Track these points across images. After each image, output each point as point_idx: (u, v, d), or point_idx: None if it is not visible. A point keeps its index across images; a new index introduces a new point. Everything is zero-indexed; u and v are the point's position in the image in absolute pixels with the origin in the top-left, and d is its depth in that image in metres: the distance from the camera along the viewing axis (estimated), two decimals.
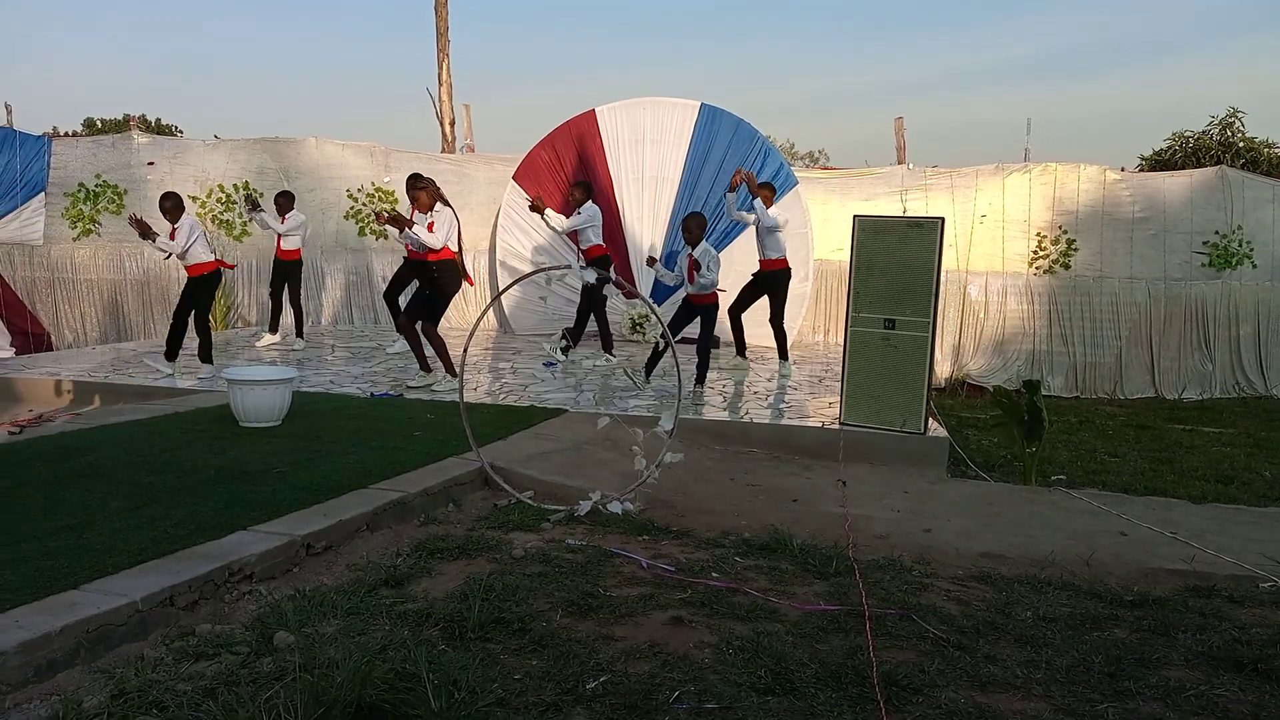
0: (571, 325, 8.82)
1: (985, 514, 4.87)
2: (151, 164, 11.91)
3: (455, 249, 7.24)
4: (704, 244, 7.06)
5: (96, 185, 11.85)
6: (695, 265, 7.01)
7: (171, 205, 7.44)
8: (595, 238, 8.61)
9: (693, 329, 7.37)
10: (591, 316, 8.74)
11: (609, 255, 8.79)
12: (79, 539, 3.52)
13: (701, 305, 7.12)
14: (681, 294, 7.55)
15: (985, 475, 6.24)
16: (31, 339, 11.92)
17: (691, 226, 7.05)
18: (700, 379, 7.19)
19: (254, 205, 9.38)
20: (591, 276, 5.34)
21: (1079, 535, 4.52)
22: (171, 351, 7.70)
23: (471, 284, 9.48)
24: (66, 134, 18.89)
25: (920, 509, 4.92)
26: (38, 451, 5.03)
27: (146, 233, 7.29)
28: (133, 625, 2.93)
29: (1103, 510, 5.04)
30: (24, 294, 12.03)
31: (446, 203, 7.28)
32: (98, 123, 27.67)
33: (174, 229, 7.43)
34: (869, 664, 2.87)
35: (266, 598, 3.32)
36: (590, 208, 8.62)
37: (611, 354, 8.80)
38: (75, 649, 2.76)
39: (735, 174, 7.84)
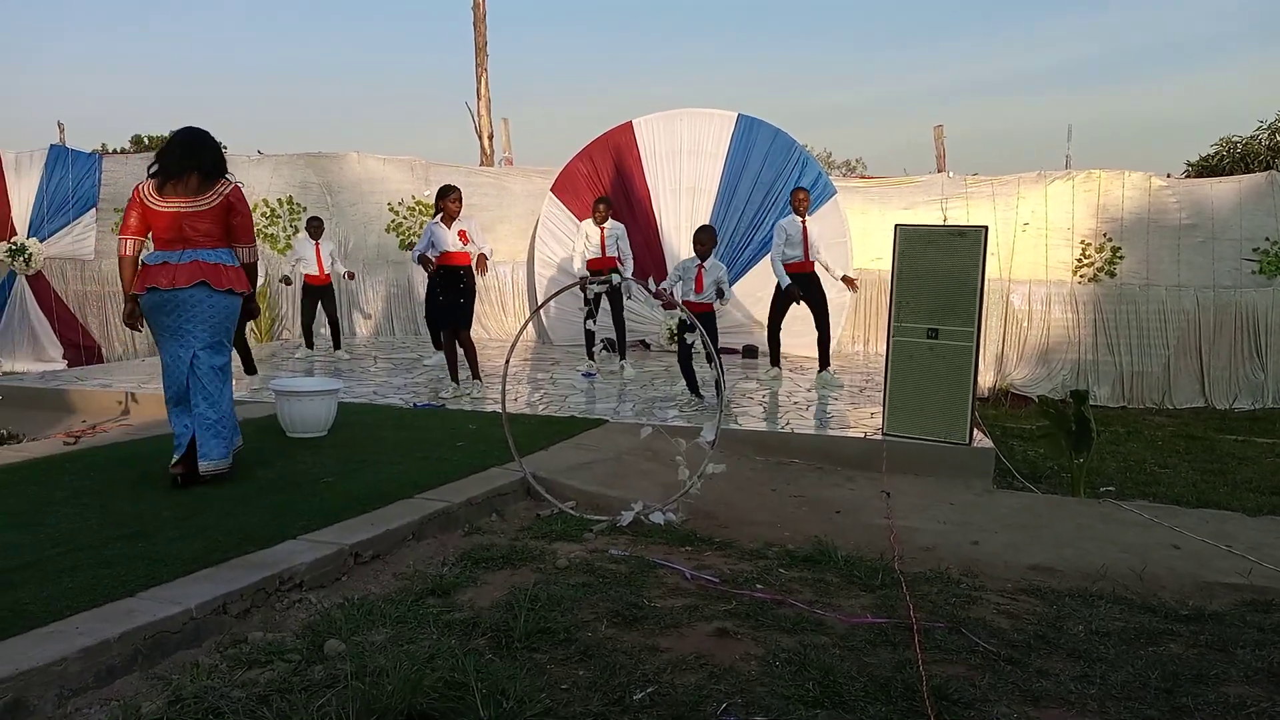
0: (614, 337, 8.87)
1: (1033, 526, 4.79)
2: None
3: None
4: (714, 258, 7.06)
5: None
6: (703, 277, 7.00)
7: None
8: (612, 250, 8.75)
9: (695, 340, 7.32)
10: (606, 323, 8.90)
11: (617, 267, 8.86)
12: (134, 547, 3.59)
13: (701, 314, 7.08)
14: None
15: (1032, 487, 6.14)
16: (83, 351, 12.21)
17: (703, 239, 7.06)
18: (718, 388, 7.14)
19: (287, 281, 10.08)
20: (634, 288, 5.36)
21: (1130, 548, 4.43)
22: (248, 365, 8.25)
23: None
24: (115, 151, 19.36)
25: (967, 521, 4.86)
26: (92, 461, 5.15)
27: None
28: (188, 632, 2.99)
29: (1154, 523, 4.94)
30: (75, 307, 12.32)
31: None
32: (145, 139, 28.34)
33: None
34: (918, 678, 2.83)
35: (316, 606, 3.36)
36: (618, 224, 8.83)
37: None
38: (133, 655, 2.81)
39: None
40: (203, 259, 4.51)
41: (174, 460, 4.60)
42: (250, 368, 8.32)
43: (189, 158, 4.51)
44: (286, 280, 10.04)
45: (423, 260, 7.69)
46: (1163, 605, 3.68)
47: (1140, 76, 62.35)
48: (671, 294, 6.57)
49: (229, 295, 4.60)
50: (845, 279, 8.29)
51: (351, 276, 10.10)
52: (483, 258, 7.44)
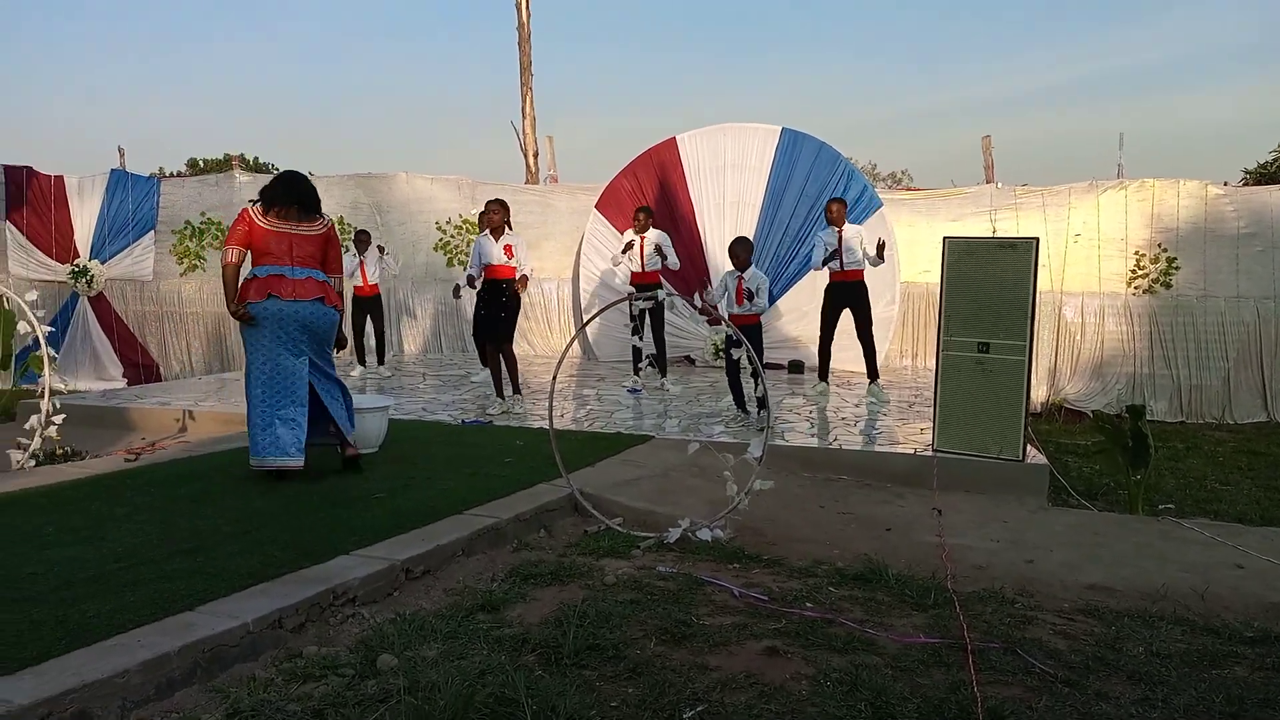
0: (655, 353, 8.88)
1: (1090, 544, 4.69)
2: (254, 201, 12.42)
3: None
4: (752, 268, 7.06)
5: (201, 222, 12.43)
6: (745, 290, 6.99)
7: None
8: (655, 258, 8.77)
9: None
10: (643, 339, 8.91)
11: (661, 281, 8.86)
12: (193, 562, 3.67)
13: (746, 327, 7.06)
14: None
15: (1088, 504, 6.01)
16: (142, 370, 12.53)
17: (739, 251, 7.06)
18: (762, 402, 7.11)
19: (456, 292, 9.54)
20: (679, 303, 5.37)
21: (1192, 567, 4.32)
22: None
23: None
24: (172, 174, 19.92)
25: (1021, 539, 4.77)
26: (151, 478, 5.27)
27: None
28: (244, 646, 3.04)
29: (1216, 541, 4.80)
30: (135, 327, 12.66)
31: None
32: (200, 162, 29.11)
33: None
34: (973, 699, 2.79)
35: (369, 621, 3.41)
36: (660, 232, 8.86)
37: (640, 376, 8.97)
38: (192, 668, 2.87)
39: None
40: (316, 277, 5.17)
41: (275, 461, 5.03)
42: None
43: (290, 192, 5.21)
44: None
45: (469, 280, 7.76)
46: (1226, 627, 3.57)
47: (1194, 84, 61.10)
48: (716, 308, 6.57)
49: (336, 311, 5.28)
50: (879, 244, 8.09)
51: (382, 250, 9.87)
52: (524, 278, 7.50)
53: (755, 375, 5.49)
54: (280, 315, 5.05)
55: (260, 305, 5.04)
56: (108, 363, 12.64)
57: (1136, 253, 10.79)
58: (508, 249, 7.39)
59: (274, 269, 5.09)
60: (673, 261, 8.70)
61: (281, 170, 5.56)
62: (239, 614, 3.13)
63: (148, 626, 3.01)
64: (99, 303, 12.62)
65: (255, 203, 5.21)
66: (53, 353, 6.58)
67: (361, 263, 9.60)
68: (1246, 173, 14.95)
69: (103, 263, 12.55)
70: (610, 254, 10.95)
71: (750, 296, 6.95)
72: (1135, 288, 10.80)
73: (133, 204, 12.55)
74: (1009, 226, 10.78)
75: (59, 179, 12.57)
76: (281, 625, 3.21)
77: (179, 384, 9.99)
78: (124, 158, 13.49)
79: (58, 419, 6.34)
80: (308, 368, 5.18)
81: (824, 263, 8.11)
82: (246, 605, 3.22)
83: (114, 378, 12.41)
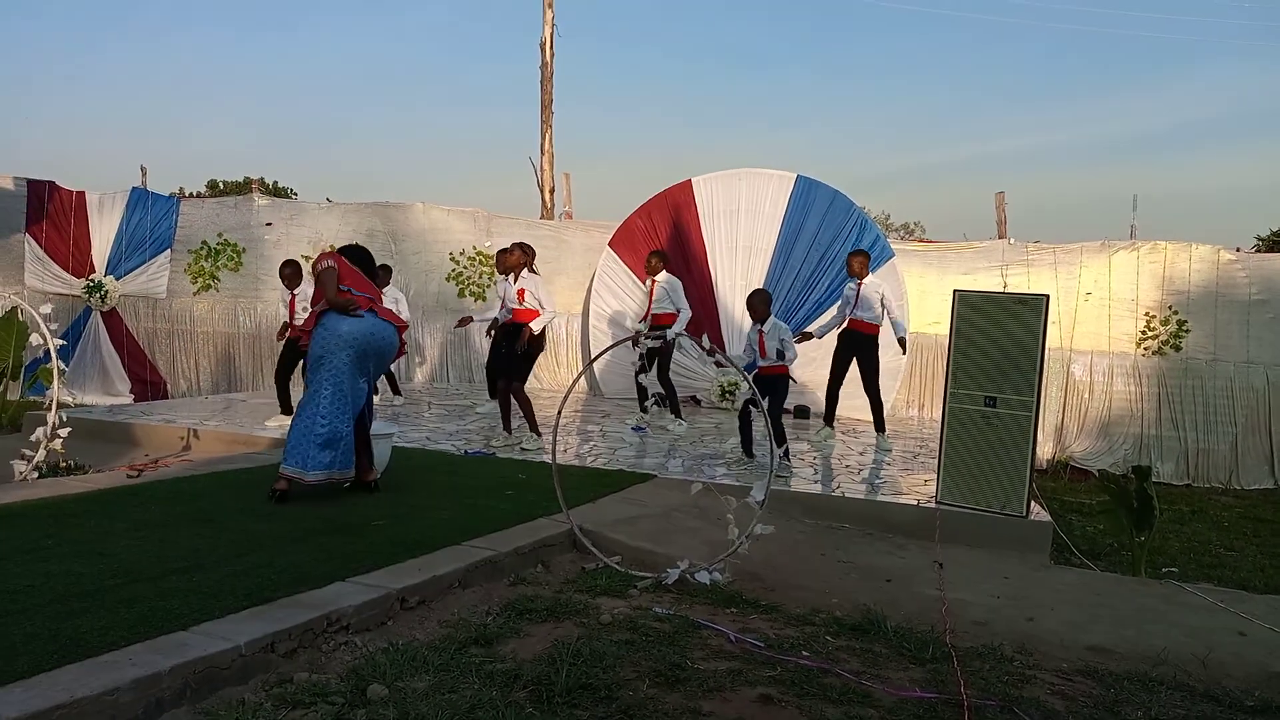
0: (663, 393, 8.89)
1: (1092, 605, 4.64)
2: (269, 225, 12.56)
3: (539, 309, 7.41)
4: (772, 319, 7.05)
5: (218, 243, 12.55)
6: (764, 341, 7.00)
7: (291, 272, 8.03)
8: (664, 301, 8.83)
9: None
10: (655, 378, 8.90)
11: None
12: (189, 581, 3.67)
13: (774, 376, 7.06)
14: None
15: (1091, 564, 5.96)
16: (149, 387, 12.58)
17: (757, 304, 7.05)
18: (785, 453, 7.09)
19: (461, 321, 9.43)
20: (686, 343, 5.40)
21: (1194, 632, 4.27)
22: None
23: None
24: (192, 194, 20.14)
25: (1022, 596, 4.72)
26: (153, 494, 5.28)
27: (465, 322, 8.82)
28: (236, 669, 3.02)
29: (1219, 607, 4.75)
30: (145, 344, 12.73)
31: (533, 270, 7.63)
32: (220, 184, 29.44)
33: (293, 295, 7.96)
34: None
35: (362, 649, 3.39)
36: (672, 278, 8.88)
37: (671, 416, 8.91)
38: (182, 689, 2.85)
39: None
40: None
41: (308, 477, 5.20)
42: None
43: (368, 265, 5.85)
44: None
45: (494, 321, 7.78)
46: (1227, 694, 3.52)
47: (1208, 148, 61.51)
48: (727, 358, 6.56)
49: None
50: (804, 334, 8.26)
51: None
52: (527, 328, 7.24)
53: (776, 436, 5.46)
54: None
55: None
56: (116, 378, 12.69)
57: (1147, 314, 10.80)
58: (520, 293, 7.42)
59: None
60: (684, 315, 8.70)
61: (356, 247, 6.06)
62: (232, 636, 3.12)
63: (140, 644, 3.00)
64: (111, 318, 12.70)
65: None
66: (63, 366, 6.62)
67: (380, 294, 9.64)
68: (1259, 239, 14.98)
69: (118, 279, 12.65)
70: (622, 292, 11.03)
71: (779, 354, 6.94)
72: (1145, 349, 10.80)
73: (151, 222, 12.68)
74: (1020, 282, 10.80)
75: (80, 194, 12.73)
76: (274, 649, 3.19)
77: (185, 402, 10.02)
78: (146, 176, 13.67)
79: (63, 432, 6.35)
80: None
81: (822, 333, 8.33)
82: (240, 627, 3.21)
83: (121, 393, 12.45)
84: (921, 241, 12.83)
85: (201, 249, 12.60)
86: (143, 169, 13.72)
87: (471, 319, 9.00)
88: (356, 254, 5.78)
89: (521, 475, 6.27)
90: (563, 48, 25.14)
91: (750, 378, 5.95)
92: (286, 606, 3.46)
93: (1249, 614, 4.60)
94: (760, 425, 5.17)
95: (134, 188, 12.90)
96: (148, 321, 12.74)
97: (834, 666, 3.47)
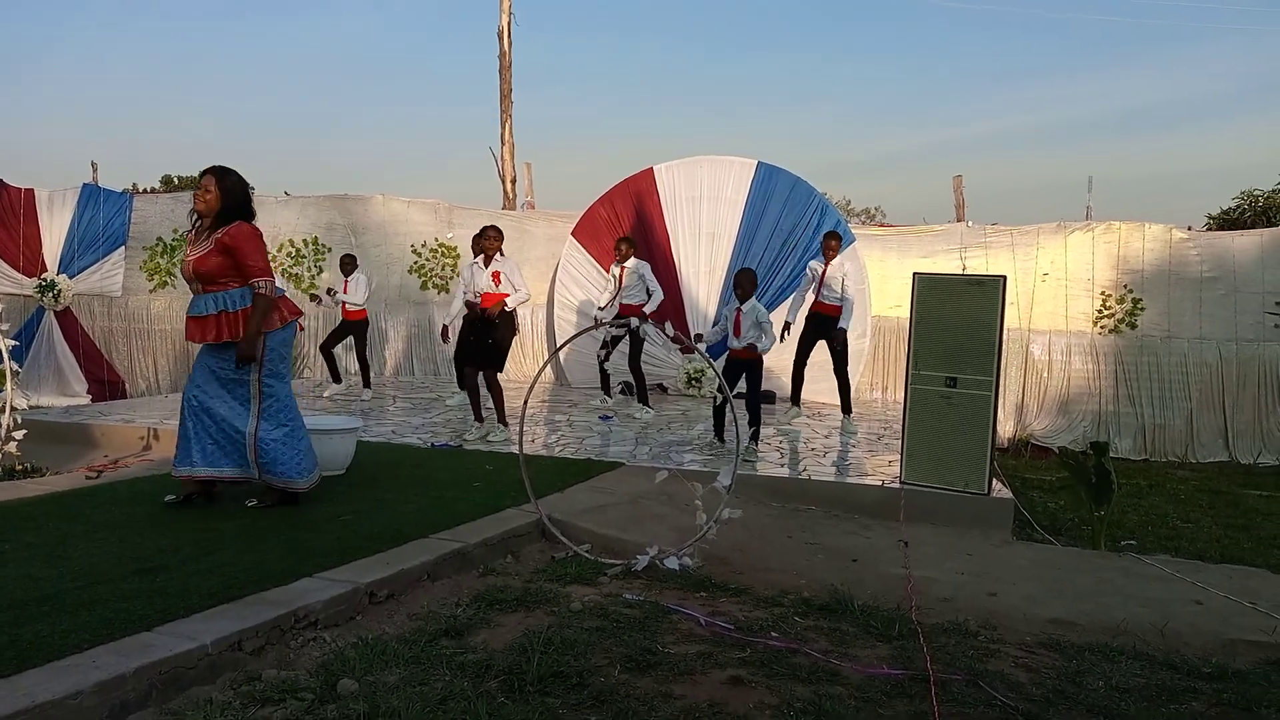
0: (631, 380, 8.91)
1: (1053, 579, 4.74)
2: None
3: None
4: (753, 301, 7.05)
5: (174, 239, 12.34)
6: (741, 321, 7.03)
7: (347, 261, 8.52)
8: (636, 287, 8.87)
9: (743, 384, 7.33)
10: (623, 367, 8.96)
11: (643, 312, 8.89)
12: (152, 582, 3.62)
13: (747, 360, 7.09)
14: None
15: (1052, 539, 6.07)
16: (107, 386, 12.36)
17: (743, 282, 7.04)
18: (754, 436, 7.14)
19: (330, 292, 9.76)
20: (651, 331, 5.41)
21: (1152, 603, 4.37)
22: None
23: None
24: (146, 190, 19.74)
25: (985, 572, 4.81)
26: (113, 495, 5.19)
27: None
28: (202, 669, 2.99)
29: (1176, 577, 4.87)
30: (101, 343, 12.50)
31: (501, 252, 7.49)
32: (175, 179, 28.89)
33: (346, 280, 9.24)
34: None
35: (330, 645, 3.37)
36: (641, 262, 8.91)
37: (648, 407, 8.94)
38: (148, 691, 2.82)
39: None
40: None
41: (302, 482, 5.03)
42: None
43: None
44: (330, 291, 9.76)
45: (468, 304, 7.67)
46: (1185, 662, 3.62)
47: (1160, 130, 62.60)
48: (693, 339, 6.58)
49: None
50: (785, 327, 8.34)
51: (331, 292, 9.71)
52: (500, 299, 7.23)
53: (725, 401, 5.51)
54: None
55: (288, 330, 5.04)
56: (72, 379, 12.46)
57: (1103, 293, 11.00)
58: (495, 276, 7.34)
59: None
60: (657, 296, 8.78)
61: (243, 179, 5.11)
62: (198, 635, 3.08)
63: (103, 647, 2.95)
64: (65, 318, 12.46)
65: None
66: (16, 367, 6.48)
67: (346, 283, 9.55)
68: (1210, 218, 15.29)
69: (71, 277, 12.40)
70: (586, 282, 11.02)
71: (757, 338, 6.95)
72: (1101, 327, 11.00)
73: (104, 219, 12.44)
74: (979, 264, 10.95)
75: (29, 192, 12.45)
76: (241, 648, 3.16)
77: (144, 401, 9.86)
78: (97, 172, 13.39)
79: (18, 434, 6.23)
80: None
81: (794, 316, 8.44)
82: (206, 626, 3.18)
83: (78, 394, 12.23)
84: (882, 226, 12.94)
85: (157, 245, 12.39)
86: (94, 165, 13.47)
87: (447, 328, 8.74)
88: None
89: (489, 466, 6.25)
90: (522, 38, 25.03)
91: (720, 362, 5.96)
92: (253, 604, 3.43)
93: (1205, 583, 4.72)
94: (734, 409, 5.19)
95: (85, 184, 12.65)
96: (103, 320, 12.51)
97: (803, 646, 3.51)
